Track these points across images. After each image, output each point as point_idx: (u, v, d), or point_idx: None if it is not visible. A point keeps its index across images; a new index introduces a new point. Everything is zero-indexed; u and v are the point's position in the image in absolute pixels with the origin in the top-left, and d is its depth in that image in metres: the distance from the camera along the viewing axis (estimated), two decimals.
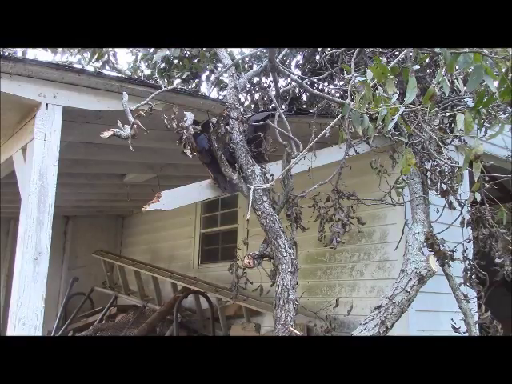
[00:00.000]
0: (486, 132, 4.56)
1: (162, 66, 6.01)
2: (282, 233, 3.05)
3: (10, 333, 2.59)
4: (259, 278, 3.29)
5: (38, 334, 2.61)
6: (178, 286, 6.67)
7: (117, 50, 5.45)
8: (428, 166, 3.85)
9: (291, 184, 3.21)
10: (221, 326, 6.05)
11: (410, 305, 3.03)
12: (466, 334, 3.48)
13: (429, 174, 3.79)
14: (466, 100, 4.36)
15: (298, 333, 2.68)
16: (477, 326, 3.54)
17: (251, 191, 2.98)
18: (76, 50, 5.03)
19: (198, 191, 3.43)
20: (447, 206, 3.70)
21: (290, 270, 2.90)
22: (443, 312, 4.03)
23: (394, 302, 2.94)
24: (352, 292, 4.89)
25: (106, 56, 5.05)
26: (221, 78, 4.86)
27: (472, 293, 3.75)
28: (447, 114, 3.79)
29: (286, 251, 2.97)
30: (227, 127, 3.34)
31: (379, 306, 2.94)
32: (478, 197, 3.29)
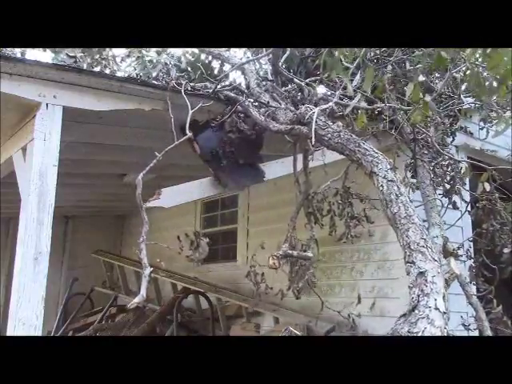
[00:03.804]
0: (487, 132, 4.59)
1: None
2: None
3: (9, 333, 2.59)
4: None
5: (38, 334, 2.61)
6: (178, 286, 6.67)
7: (116, 57, 5.46)
8: (431, 166, 3.86)
9: (310, 181, 3.14)
10: (221, 326, 6.05)
11: None
12: (477, 332, 3.46)
13: (436, 170, 3.78)
14: (466, 99, 4.38)
15: (298, 333, 2.68)
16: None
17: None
18: (77, 56, 5.03)
19: (199, 189, 3.43)
20: (451, 205, 3.71)
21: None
22: None
23: None
24: (352, 292, 4.89)
25: (105, 62, 5.07)
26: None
27: (473, 291, 3.75)
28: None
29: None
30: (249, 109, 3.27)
31: (404, 314, 2.86)
32: (488, 187, 3.28)
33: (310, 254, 3.00)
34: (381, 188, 2.30)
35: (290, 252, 2.94)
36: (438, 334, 1.69)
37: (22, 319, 2.56)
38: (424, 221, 3.63)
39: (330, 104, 2.93)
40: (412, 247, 1.98)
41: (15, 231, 2.84)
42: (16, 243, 2.76)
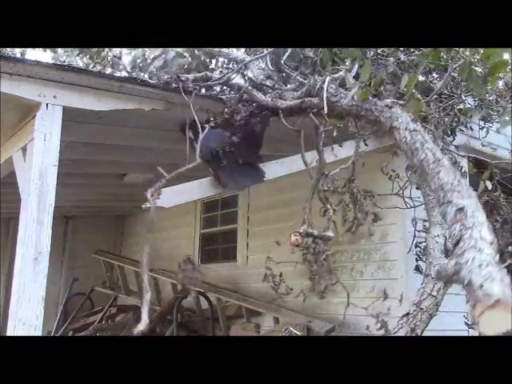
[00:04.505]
0: (487, 132, 4.59)
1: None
2: None
3: (9, 333, 2.59)
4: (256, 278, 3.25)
5: (38, 334, 2.61)
6: (178, 286, 6.67)
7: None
8: None
9: (324, 159, 3.04)
10: (221, 326, 6.05)
11: (437, 309, 2.90)
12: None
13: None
14: (466, 100, 4.38)
15: (298, 333, 2.68)
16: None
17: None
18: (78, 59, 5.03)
19: (199, 188, 3.42)
20: None
21: None
22: (443, 312, 4.03)
23: (421, 308, 2.79)
24: (352, 292, 4.89)
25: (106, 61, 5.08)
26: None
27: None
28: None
29: None
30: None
31: (407, 314, 2.79)
32: (489, 186, 3.27)
33: (330, 234, 2.92)
34: (404, 139, 2.22)
35: (311, 231, 2.82)
36: (490, 260, 1.58)
37: (22, 319, 2.56)
38: (425, 220, 3.64)
39: (341, 73, 2.87)
40: (445, 188, 1.90)
41: (15, 231, 2.83)
42: (16, 243, 2.75)
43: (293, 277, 3.34)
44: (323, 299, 3.16)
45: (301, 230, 2.77)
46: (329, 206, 2.93)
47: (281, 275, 3.08)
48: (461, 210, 1.78)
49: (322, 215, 2.98)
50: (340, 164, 3.48)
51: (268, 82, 3.51)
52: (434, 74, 4.15)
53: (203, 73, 3.73)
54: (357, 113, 2.59)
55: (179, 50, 4.55)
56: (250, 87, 3.38)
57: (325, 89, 2.63)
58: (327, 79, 2.70)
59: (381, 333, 3.02)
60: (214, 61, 4.62)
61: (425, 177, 2.09)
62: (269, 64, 3.93)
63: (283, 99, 3.16)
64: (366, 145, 3.59)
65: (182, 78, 3.38)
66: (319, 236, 2.85)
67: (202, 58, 4.66)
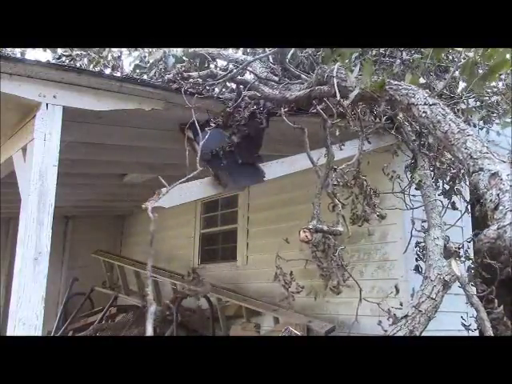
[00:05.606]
0: (487, 131, 4.59)
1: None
2: None
3: (9, 333, 2.59)
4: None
5: (38, 334, 2.61)
6: (178, 286, 6.68)
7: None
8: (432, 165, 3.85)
9: (332, 153, 3.00)
10: (221, 326, 6.06)
11: (436, 312, 2.94)
12: (476, 332, 3.44)
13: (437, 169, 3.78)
14: (467, 100, 4.38)
15: (298, 333, 2.67)
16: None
17: None
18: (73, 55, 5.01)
19: (199, 188, 3.42)
20: (450, 206, 3.71)
21: None
22: (442, 312, 4.04)
23: (420, 311, 2.81)
24: (352, 292, 4.88)
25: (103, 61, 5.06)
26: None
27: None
28: None
29: None
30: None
31: (406, 316, 2.81)
32: None
33: (340, 229, 2.89)
34: (424, 114, 2.19)
35: (320, 226, 2.79)
36: None
37: (22, 319, 2.56)
38: (424, 221, 3.64)
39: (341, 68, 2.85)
40: (475, 156, 1.86)
41: (15, 231, 2.83)
42: (16, 243, 2.75)
43: (299, 276, 3.34)
44: (339, 294, 3.16)
45: (310, 226, 2.72)
46: (337, 201, 2.91)
47: (291, 273, 3.06)
48: (495, 174, 1.75)
49: (332, 211, 2.96)
50: (343, 164, 3.48)
51: (273, 78, 3.50)
52: (433, 75, 4.15)
53: (208, 70, 3.72)
54: (371, 94, 2.55)
55: (179, 53, 4.55)
56: (256, 82, 3.37)
57: (335, 74, 2.60)
58: (337, 65, 2.67)
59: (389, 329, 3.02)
60: (212, 66, 4.62)
61: (451, 148, 2.04)
62: (272, 62, 3.93)
63: (291, 91, 3.16)
64: (369, 143, 3.59)
65: (185, 75, 3.37)
66: (329, 231, 2.82)
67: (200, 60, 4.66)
